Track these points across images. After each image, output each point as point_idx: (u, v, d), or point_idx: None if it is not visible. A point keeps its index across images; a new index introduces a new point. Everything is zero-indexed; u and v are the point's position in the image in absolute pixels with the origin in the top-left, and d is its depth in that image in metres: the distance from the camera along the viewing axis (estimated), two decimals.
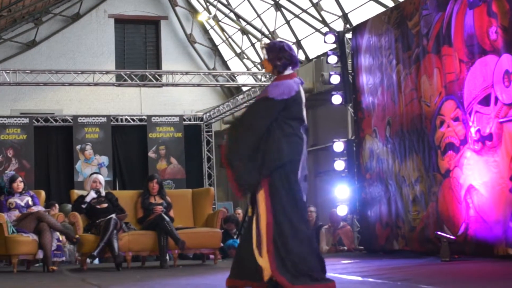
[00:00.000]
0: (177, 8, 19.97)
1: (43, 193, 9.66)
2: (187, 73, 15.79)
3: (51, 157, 16.15)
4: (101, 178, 9.54)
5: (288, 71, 5.30)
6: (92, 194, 9.25)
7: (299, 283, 4.93)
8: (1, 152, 15.45)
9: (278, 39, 5.55)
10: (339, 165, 11.07)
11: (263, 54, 5.55)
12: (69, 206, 11.55)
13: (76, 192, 9.53)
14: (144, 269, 8.87)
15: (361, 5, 14.45)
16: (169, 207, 9.45)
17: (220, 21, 18.99)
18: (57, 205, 11.99)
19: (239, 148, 5.16)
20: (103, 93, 18.91)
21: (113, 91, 18.96)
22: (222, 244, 10.12)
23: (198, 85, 15.78)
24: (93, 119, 16.18)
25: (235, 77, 16.24)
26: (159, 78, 15.63)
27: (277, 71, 5.30)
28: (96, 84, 15.16)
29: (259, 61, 18.28)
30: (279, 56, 5.30)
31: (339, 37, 11.20)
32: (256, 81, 15.17)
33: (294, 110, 5.18)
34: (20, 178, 9.22)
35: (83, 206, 9.14)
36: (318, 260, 5.07)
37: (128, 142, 16.73)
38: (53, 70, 14.88)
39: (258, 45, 17.90)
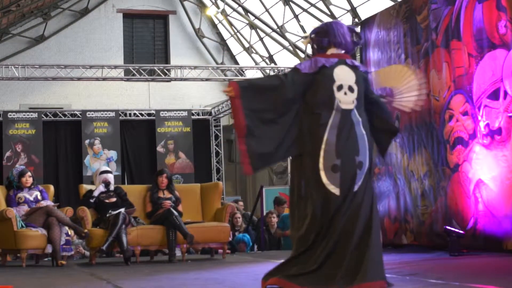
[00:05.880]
0: (185, 3, 19.95)
1: (52, 187, 9.66)
2: (195, 67, 15.79)
3: (59, 151, 16.21)
4: (111, 178, 9.49)
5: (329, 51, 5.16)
6: (101, 189, 9.25)
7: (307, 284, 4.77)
8: (10, 146, 15.50)
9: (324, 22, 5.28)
10: None
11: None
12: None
13: (85, 187, 9.53)
14: (153, 263, 8.88)
15: None
16: (178, 202, 9.46)
17: (228, 15, 18.96)
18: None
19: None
20: (111, 87, 18.92)
21: (122, 85, 18.96)
22: (230, 239, 10.13)
23: (207, 79, 15.80)
24: (102, 114, 16.22)
25: (243, 71, 16.26)
26: (167, 72, 15.65)
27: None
28: (104, 79, 15.19)
29: (267, 55, 18.26)
30: (312, 42, 5.21)
31: None
32: (264, 75, 15.15)
33: (320, 92, 4.88)
34: (29, 173, 9.23)
35: (92, 200, 9.16)
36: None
37: (136, 137, 16.78)
38: (61, 65, 14.92)
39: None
